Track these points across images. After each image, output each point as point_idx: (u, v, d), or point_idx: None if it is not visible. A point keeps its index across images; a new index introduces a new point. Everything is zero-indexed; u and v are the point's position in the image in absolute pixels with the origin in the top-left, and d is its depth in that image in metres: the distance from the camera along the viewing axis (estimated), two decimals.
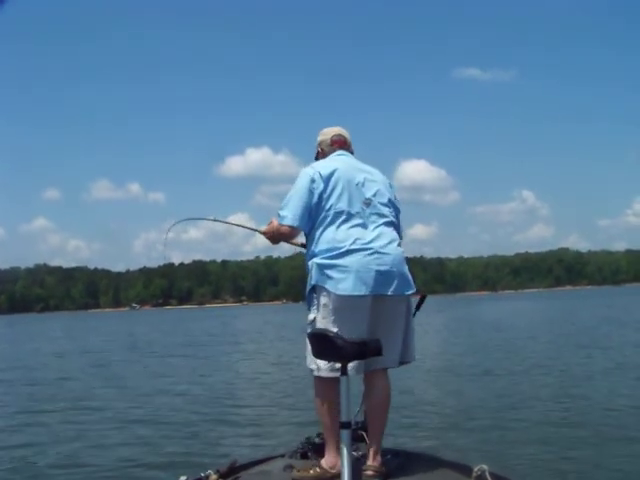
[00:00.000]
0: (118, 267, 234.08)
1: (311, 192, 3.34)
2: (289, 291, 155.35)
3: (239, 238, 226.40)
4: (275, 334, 31.00)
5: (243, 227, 4.19)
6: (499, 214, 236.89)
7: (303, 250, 3.60)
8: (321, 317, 3.26)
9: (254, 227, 3.78)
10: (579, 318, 31.13)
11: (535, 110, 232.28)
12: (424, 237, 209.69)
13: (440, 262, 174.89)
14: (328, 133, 3.67)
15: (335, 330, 3.13)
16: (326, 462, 3.27)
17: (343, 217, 3.32)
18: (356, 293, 3.21)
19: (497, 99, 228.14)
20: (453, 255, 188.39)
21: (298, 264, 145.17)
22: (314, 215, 3.34)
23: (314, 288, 3.31)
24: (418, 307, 3.67)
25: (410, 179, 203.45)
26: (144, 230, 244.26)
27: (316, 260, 3.29)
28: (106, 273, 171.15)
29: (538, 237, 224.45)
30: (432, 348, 18.70)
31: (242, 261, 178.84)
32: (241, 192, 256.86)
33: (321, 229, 3.33)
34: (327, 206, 3.33)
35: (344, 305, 3.21)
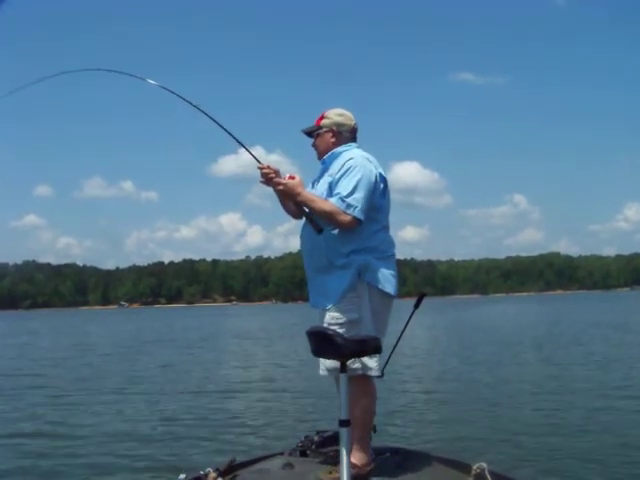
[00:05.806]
0: (108, 265, 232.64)
1: (375, 190, 3.27)
2: (279, 291, 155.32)
3: (230, 238, 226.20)
4: (272, 333, 30.81)
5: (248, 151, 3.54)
6: (491, 217, 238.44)
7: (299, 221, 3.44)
8: (371, 316, 3.21)
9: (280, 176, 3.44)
10: (575, 322, 31.23)
11: (527, 115, 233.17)
12: (415, 239, 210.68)
13: (431, 264, 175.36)
14: (351, 118, 3.46)
15: (379, 330, 3.21)
16: (359, 460, 3.18)
17: (388, 221, 3.41)
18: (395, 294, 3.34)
19: (490, 104, 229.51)
20: (444, 258, 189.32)
21: (288, 264, 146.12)
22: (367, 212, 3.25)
23: (358, 287, 3.22)
24: (417, 305, 3.63)
25: (402, 181, 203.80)
26: (136, 228, 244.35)
27: (374, 260, 3.24)
28: (95, 270, 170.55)
29: (529, 241, 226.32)
30: (424, 349, 18.70)
31: (232, 261, 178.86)
32: (233, 191, 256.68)
33: (375, 229, 3.29)
34: (381, 207, 3.35)
35: (390, 306, 3.34)
